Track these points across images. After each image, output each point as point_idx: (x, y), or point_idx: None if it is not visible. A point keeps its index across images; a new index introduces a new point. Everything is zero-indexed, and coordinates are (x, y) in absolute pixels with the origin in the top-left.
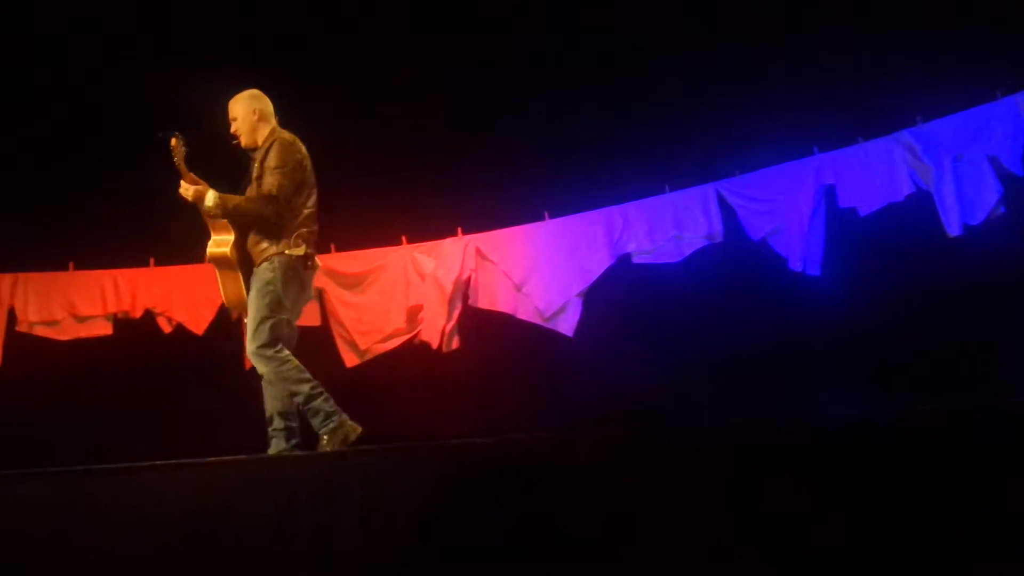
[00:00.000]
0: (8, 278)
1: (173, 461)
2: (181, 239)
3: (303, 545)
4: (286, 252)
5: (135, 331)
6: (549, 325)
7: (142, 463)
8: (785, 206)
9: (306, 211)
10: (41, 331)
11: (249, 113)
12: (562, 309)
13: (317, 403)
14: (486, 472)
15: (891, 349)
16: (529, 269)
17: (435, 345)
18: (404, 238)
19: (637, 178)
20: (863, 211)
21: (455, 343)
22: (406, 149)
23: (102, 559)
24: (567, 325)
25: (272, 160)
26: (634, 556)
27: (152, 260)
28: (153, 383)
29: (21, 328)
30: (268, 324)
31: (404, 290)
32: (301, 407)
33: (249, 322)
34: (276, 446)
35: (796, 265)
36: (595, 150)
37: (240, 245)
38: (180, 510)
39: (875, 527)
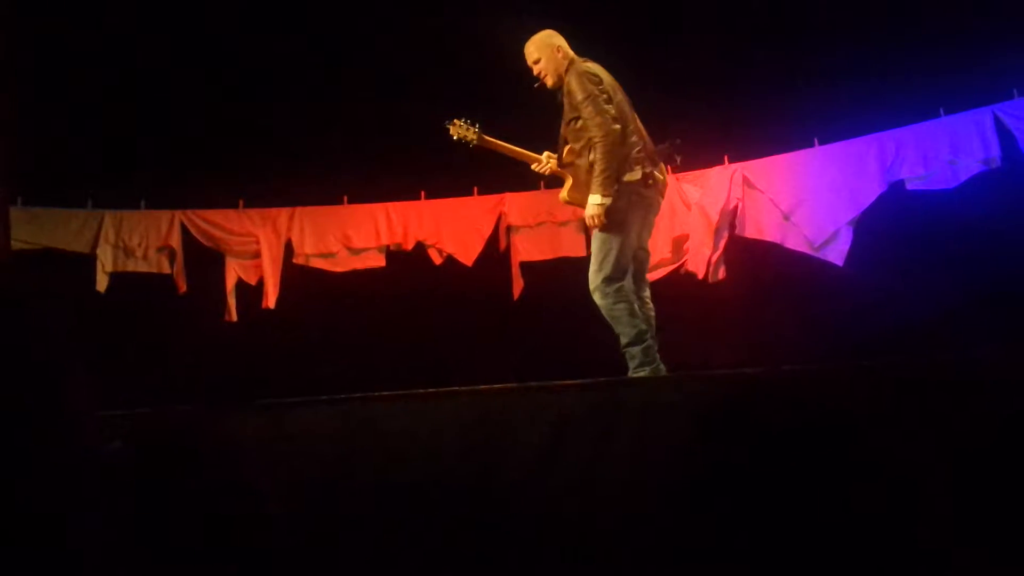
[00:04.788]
0: (285, 212)
1: (447, 389)
2: (450, 171)
3: (570, 472)
4: (624, 180)
5: (407, 263)
6: (818, 254)
7: (419, 391)
8: None
9: (629, 132)
10: (317, 263)
11: (553, 51)
12: (832, 238)
13: (635, 349)
14: (756, 403)
15: None
16: (798, 197)
17: (701, 275)
18: (669, 168)
19: (910, 102)
20: None
21: (721, 273)
22: (671, 78)
23: (383, 480)
24: (837, 254)
25: (578, 94)
26: (900, 490)
27: (423, 193)
28: (424, 313)
29: (298, 260)
30: (613, 256)
31: (670, 220)
32: (621, 347)
33: (593, 253)
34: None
35: None
36: (866, 74)
37: (577, 185)
38: (452, 435)
39: None
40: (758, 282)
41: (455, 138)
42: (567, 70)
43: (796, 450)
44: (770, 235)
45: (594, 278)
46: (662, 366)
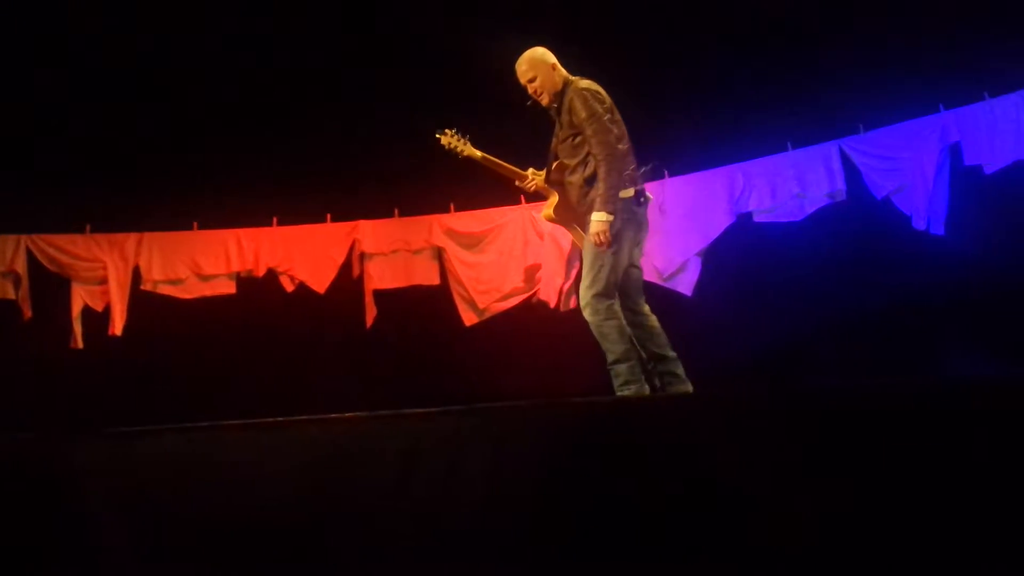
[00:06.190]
0: (133, 237)
1: (296, 417)
2: (303, 198)
3: (423, 502)
4: (619, 196)
5: (258, 290)
6: (667, 284)
7: (267, 419)
8: (910, 164)
9: (623, 150)
10: (165, 289)
11: (549, 69)
12: (681, 268)
13: (621, 367)
14: (603, 430)
15: (1018, 310)
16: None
17: (552, 304)
18: (523, 197)
19: (758, 135)
20: (988, 169)
21: (572, 302)
22: (521, 108)
23: (229, 511)
24: (686, 284)
25: (582, 112)
26: (750, 515)
27: (275, 219)
28: (275, 341)
29: (145, 287)
30: (604, 273)
31: (522, 250)
32: (607, 365)
33: (585, 269)
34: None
35: (920, 224)
36: (715, 106)
37: (564, 203)
38: (301, 465)
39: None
40: None
41: (445, 147)
42: (564, 88)
43: (641, 475)
44: None
45: (585, 294)
46: (646, 386)
